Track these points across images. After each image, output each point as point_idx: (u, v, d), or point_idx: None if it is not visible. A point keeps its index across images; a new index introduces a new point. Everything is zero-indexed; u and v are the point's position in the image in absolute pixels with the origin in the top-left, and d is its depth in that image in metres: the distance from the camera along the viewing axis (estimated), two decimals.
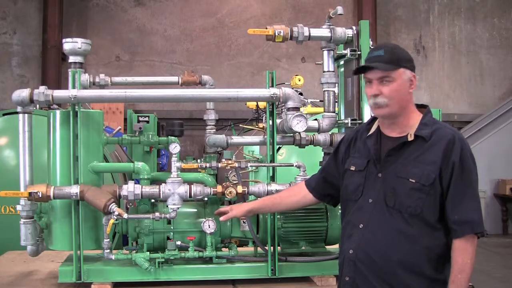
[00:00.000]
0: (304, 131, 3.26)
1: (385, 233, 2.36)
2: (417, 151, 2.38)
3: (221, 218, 3.00)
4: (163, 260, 3.22)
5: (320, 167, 2.96)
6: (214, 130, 3.68)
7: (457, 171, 2.34)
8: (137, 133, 3.72)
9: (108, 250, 3.19)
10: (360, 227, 2.42)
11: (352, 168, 2.53)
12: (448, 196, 2.34)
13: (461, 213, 2.33)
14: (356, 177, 2.50)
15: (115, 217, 3.03)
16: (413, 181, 2.33)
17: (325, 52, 3.45)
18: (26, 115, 3.13)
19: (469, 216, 2.33)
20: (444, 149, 2.35)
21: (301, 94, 6.45)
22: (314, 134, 3.47)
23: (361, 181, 2.47)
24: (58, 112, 3.19)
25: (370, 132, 2.55)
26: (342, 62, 3.58)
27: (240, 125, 4.65)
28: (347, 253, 2.45)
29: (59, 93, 3.08)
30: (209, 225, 3.20)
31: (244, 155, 5.25)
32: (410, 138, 2.40)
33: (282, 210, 3.19)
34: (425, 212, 2.33)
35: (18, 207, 3.14)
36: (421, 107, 2.52)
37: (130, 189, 3.11)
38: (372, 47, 2.54)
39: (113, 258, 3.20)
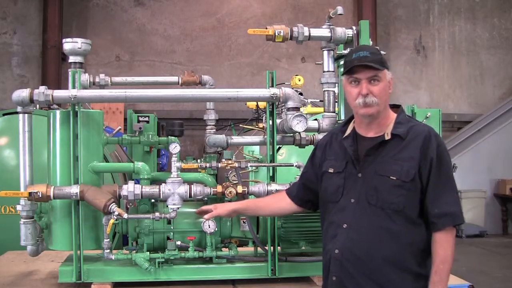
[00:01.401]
0: (304, 131, 3.26)
1: (369, 231, 2.41)
2: (394, 149, 2.44)
3: (205, 217, 2.99)
4: (163, 260, 3.22)
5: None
6: (214, 130, 3.68)
7: (435, 166, 2.41)
8: (137, 133, 3.72)
9: (108, 250, 3.19)
10: (344, 227, 2.45)
11: (331, 170, 2.57)
12: (427, 190, 2.40)
13: (441, 206, 2.39)
14: (335, 178, 2.54)
15: (115, 217, 3.03)
16: (394, 178, 2.39)
17: (325, 52, 3.45)
18: (26, 115, 3.13)
19: (449, 209, 2.40)
20: (421, 146, 2.41)
21: (301, 94, 6.45)
22: (314, 134, 3.47)
23: (341, 182, 2.51)
24: (58, 112, 3.19)
25: (346, 134, 2.59)
26: (342, 62, 3.58)
27: (240, 125, 4.65)
28: (332, 252, 2.47)
29: (59, 93, 3.08)
30: (209, 225, 3.19)
31: (244, 155, 5.25)
32: (387, 137, 2.45)
33: (266, 215, 3.22)
34: (407, 208, 2.39)
35: (18, 207, 3.14)
36: (394, 107, 2.59)
37: (130, 189, 3.11)
38: (352, 49, 2.56)
39: (113, 258, 3.20)
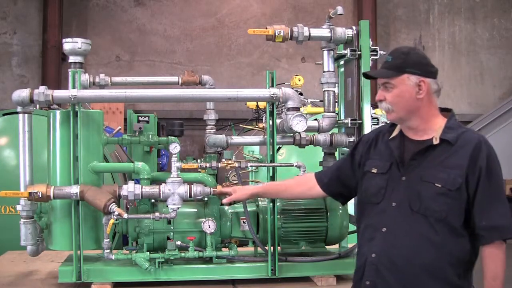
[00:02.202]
0: (304, 131, 3.26)
1: (409, 238, 2.31)
2: (442, 155, 2.34)
3: (224, 201, 2.99)
4: (163, 260, 3.22)
5: (334, 163, 2.88)
6: (214, 130, 3.68)
7: (484, 177, 2.30)
8: (137, 133, 3.72)
9: (108, 250, 3.19)
10: (383, 230, 2.36)
11: (374, 171, 2.47)
12: (475, 202, 2.30)
13: (489, 219, 2.28)
14: (378, 179, 2.44)
15: (115, 217, 3.03)
16: (439, 185, 2.29)
17: (325, 52, 3.45)
18: (26, 115, 3.13)
19: (498, 222, 2.29)
20: (471, 154, 2.31)
21: (301, 94, 6.45)
22: (314, 134, 3.47)
23: (383, 184, 2.41)
24: (58, 112, 3.19)
25: (393, 135, 2.50)
26: (342, 62, 3.58)
27: (240, 125, 4.65)
28: (369, 256, 2.38)
29: (59, 93, 3.08)
30: (209, 225, 3.20)
31: (244, 155, 5.26)
32: (436, 141, 2.35)
33: (286, 198, 3.18)
34: (450, 217, 2.29)
35: (18, 207, 3.14)
36: (445, 110, 2.49)
37: (130, 189, 3.11)
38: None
39: (113, 258, 3.20)
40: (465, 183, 2.30)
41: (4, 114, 5.46)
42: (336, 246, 3.64)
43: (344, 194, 2.74)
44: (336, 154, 3.60)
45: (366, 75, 2.60)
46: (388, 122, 2.59)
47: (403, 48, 2.48)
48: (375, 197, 2.43)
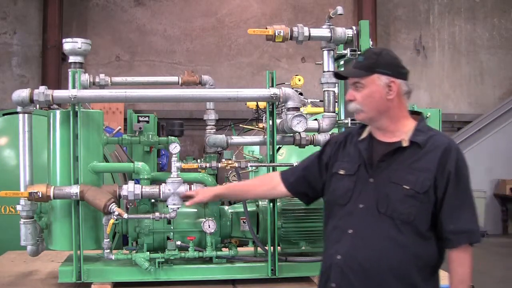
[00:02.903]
0: (304, 131, 3.26)
1: (375, 240, 2.29)
2: (411, 157, 2.32)
3: (187, 203, 2.98)
4: (163, 260, 3.22)
5: (300, 162, 2.84)
6: (214, 130, 3.68)
7: (453, 181, 2.29)
8: (137, 133, 3.72)
9: (108, 250, 3.19)
10: (349, 232, 2.34)
11: (342, 172, 2.45)
12: (443, 205, 2.29)
13: (457, 223, 2.29)
14: (346, 181, 2.42)
15: (115, 217, 3.02)
16: (407, 187, 2.27)
17: (325, 52, 3.45)
18: (26, 115, 3.13)
19: (465, 226, 2.30)
20: (440, 158, 2.29)
21: (301, 94, 6.45)
22: (314, 134, 3.47)
23: (351, 185, 2.39)
24: (58, 112, 3.19)
25: (362, 137, 2.49)
26: (342, 62, 3.58)
27: (240, 125, 4.65)
28: (334, 258, 2.35)
29: (59, 93, 3.08)
30: (209, 225, 3.20)
31: (244, 155, 5.25)
32: (405, 143, 2.34)
33: (250, 199, 3.16)
34: (417, 220, 2.27)
35: (18, 207, 3.13)
36: (414, 113, 2.49)
37: (130, 189, 3.11)
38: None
39: (113, 258, 3.20)
40: (434, 187, 2.29)
41: (4, 114, 5.45)
42: None
43: (309, 194, 2.71)
44: None
45: (337, 75, 2.59)
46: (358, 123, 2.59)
47: (376, 48, 2.50)
48: (342, 199, 2.41)
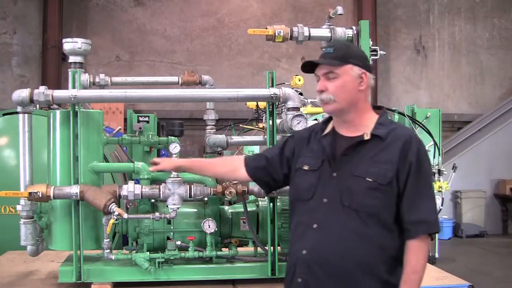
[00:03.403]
0: None
1: (340, 233, 2.30)
2: (373, 150, 2.34)
3: (150, 169, 2.99)
4: (163, 260, 3.22)
5: (263, 151, 2.84)
6: (214, 130, 3.69)
7: (414, 171, 2.30)
8: (137, 133, 3.72)
9: (108, 250, 3.19)
10: (314, 227, 2.34)
11: (305, 168, 2.45)
12: (404, 196, 2.31)
13: (417, 213, 2.30)
14: (309, 176, 2.42)
15: (115, 217, 3.03)
16: (370, 180, 2.29)
17: None
18: (26, 115, 3.13)
19: (425, 216, 2.32)
20: (401, 149, 2.31)
21: (301, 94, 6.43)
22: None
23: (314, 180, 2.40)
24: (58, 112, 3.18)
25: (325, 132, 2.50)
26: None
27: (240, 125, 4.65)
28: (300, 253, 2.35)
29: (59, 93, 3.08)
30: (209, 225, 3.20)
31: (244, 155, 5.24)
32: (367, 137, 2.36)
33: (210, 176, 3.16)
34: (382, 212, 2.30)
35: (18, 207, 3.13)
36: (377, 108, 2.51)
37: (130, 189, 3.11)
38: (325, 46, 2.49)
39: (113, 258, 3.20)
40: (396, 178, 2.30)
41: (4, 114, 5.45)
42: None
43: (270, 184, 2.71)
44: None
45: (309, 63, 2.49)
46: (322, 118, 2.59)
47: (341, 42, 2.50)
48: (306, 194, 2.41)
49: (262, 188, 2.80)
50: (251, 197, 3.49)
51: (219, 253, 3.29)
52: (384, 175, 2.29)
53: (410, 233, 2.32)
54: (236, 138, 3.63)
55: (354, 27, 3.37)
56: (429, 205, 2.35)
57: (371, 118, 2.43)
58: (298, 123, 3.19)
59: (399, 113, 8.15)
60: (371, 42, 3.36)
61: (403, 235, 2.34)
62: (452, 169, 8.59)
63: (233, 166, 2.79)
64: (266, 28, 3.29)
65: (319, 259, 2.31)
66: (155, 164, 2.93)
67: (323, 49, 2.45)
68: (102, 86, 3.66)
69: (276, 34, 3.27)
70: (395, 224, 2.33)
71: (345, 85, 2.36)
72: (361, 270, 2.29)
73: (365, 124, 2.41)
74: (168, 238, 3.31)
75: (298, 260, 2.37)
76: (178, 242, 3.24)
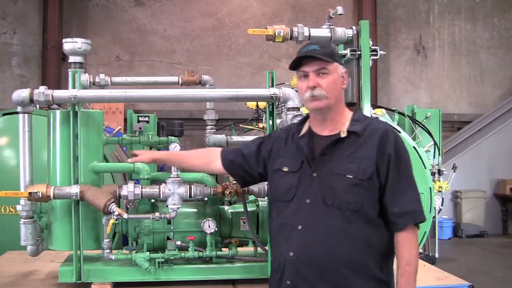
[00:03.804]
0: None
1: (326, 233, 2.30)
2: (351, 147, 2.36)
3: (129, 160, 3.03)
4: (163, 260, 3.22)
5: (240, 147, 2.83)
6: (214, 130, 3.69)
7: (393, 164, 2.33)
8: (137, 133, 3.72)
9: (108, 250, 3.18)
10: (299, 228, 2.34)
11: (285, 169, 2.46)
12: (386, 189, 2.32)
13: (401, 205, 2.32)
14: (289, 178, 2.43)
15: (115, 217, 3.02)
16: (351, 176, 2.30)
17: None
18: (26, 115, 3.13)
19: (409, 207, 2.33)
20: (379, 143, 2.34)
21: None
22: None
23: (295, 182, 2.40)
24: (58, 112, 3.18)
25: (302, 133, 2.51)
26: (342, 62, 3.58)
27: (240, 125, 4.65)
28: (287, 256, 2.35)
29: (59, 93, 3.08)
30: (209, 225, 3.20)
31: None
32: (343, 134, 2.38)
33: (187, 168, 3.16)
34: (366, 207, 2.30)
35: (18, 207, 3.13)
36: (350, 105, 2.53)
37: (130, 189, 3.11)
38: (304, 44, 2.49)
39: (113, 258, 3.20)
40: (376, 172, 2.32)
41: (4, 114, 5.46)
42: None
43: (245, 178, 2.73)
44: None
45: (295, 65, 2.43)
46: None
47: (322, 40, 2.51)
48: (286, 195, 2.42)
49: (237, 181, 2.84)
50: (251, 197, 3.48)
51: (219, 253, 3.29)
52: (364, 171, 2.31)
53: (397, 226, 2.33)
54: (236, 138, 3.63)
55: (354, 27, 3.37)
56: (412, 195, 2.36)
57: (346, 115, 2.46)
58: None
59: (399, 113, 8.16)
60: (371, 42, 3.36)
61: (390, 229, 2.35)
62: (452, 169, 8.60)
63: (208, 159, 2.82)
64: (266, 28, 3.29)
65: (307, 260, 2.32)
66: (135, 155, 2.96)
67: (306, 47, 2.43)
68: (102, 86, 3.66)
69: (276, 34, 3.27)
70: (380, 219, 2.35)
71: (336, 82, 2.40)
72: (349, 268, 2.29)
73: (342, 122, 2.43)
74: (168, 238, 3.31)
75: (286, 262, 2.37)
76: (178, 242, 3.24)
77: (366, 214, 2.31)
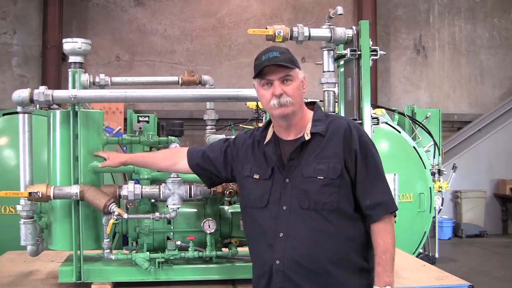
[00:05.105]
0: None
1: (308, 237, 2.34)
2: (317, 148, 2.39)
3: (100, 165, 3.05)
4: (163, 260, 3.22)
5: (206, 149, 2.82)
6: (214, 130, 3.68)
7: (360, 158, 2.37)
8: (137, 133, 3.72)
9: (108, 250, 3.18)
10: (281, 236, 2.37)
11: (256, 177, 2.48)
12: (357, 183, 2.37)
13: (372, 197, 2.36)
14: (261, 185, 2.45)
15: (115, 217, 3.02)
16: (321, 177, 2.34)
17: (325, 52, 3.44)
18: (26, 115, 3.13)
19: (380, 199, 2.37)
20: (343, 140, 2.37)
21: None
22: None
23: (267, 189, 2.43)
24: (58, 112, 3.18)
25: (267, 140, 2.52)
26: (342, 62, 3.58)
27: (240, 125, 4.65)
28: (273, 264, 2.38)
29: (59, 93, 3.08)
30: (209, 225, 3.20)
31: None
32: (307, 137, 2.40)
33: (155, 169, 3.19)
34: (341, 205, 2.35)
35: (18, 207, 3.13)
36: (309, 104, 2.54)
37: (130, 189, 3.11)
38: (263, 51, 2.46)
39: (113, 258, 3.20)
40: (345, 169, 2.35)
41: (4, 114, 5.46)
42: None
43: (212, 179, 2.78)
44: None
45: (262, 74, 2.39)
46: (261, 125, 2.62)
47: (279, 46, 2.49)
48: (260, 202, 2.45)
49: (203, 182, 2.87)
50: None
51: (219, 253, 3.29)
52: (334, 169, 2.34)
53: (371, 218, 2.38)
54: None
55: (354, 27, 3.37)
56: (381, 186, 2.41)
57: (308, 116, 2.48)
58: None
59: (399, 113, 8.16)
60: (371, 42, 3.35)
61: (366, 221, 2.40)
62: (452, 169, 8.60)
63: (173, 160, 2.86)
64: (266, 28, 3.29)
65: (293, 266, 2.36)
66: (101, 157, 3.03)
67: (266, 54, 2.40)
68: (102, 86, 3.66)
69: (276, 34, 3.27)
70: (356, 213, 2.40)
71: (299, 87, 2.42)
72: (336, 266, 2.35)
73: (305, 125, 2.45)
74: (168, 238, 3.31)
75: (273, 270, 2.40)
76: (178, 242, 3.24)
77: (343, 211, 2.36)
